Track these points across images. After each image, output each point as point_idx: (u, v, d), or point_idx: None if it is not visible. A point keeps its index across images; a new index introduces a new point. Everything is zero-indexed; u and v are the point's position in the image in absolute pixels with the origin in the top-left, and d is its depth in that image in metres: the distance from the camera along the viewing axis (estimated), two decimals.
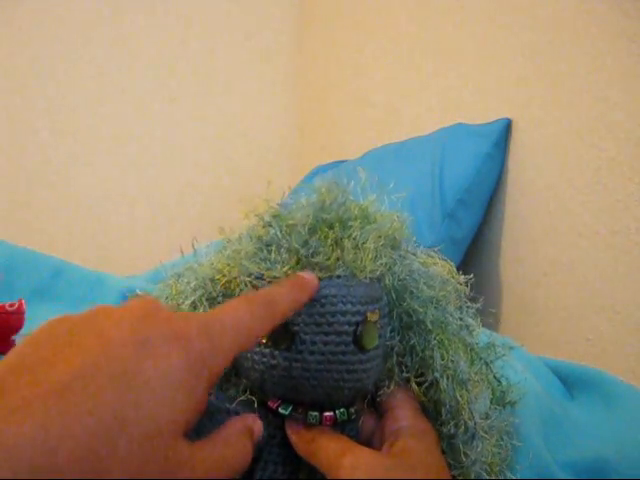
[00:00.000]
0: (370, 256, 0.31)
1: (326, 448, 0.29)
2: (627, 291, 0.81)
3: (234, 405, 0.32)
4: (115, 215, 1.71)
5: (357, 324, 0.30)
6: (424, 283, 0.33)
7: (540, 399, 0.50)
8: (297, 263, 0.31)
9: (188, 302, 0.33)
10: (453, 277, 0.36)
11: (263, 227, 0.32)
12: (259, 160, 1.86)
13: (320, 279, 0.30)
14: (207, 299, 0.33)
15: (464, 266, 1.05)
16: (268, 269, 0.31)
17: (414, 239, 0.35)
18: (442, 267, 0.36)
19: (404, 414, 0.31)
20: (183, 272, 0.35)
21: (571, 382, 0.60)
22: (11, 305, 0.57)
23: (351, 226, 0.31)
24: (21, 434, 0.18)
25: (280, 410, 0.32)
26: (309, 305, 0.30)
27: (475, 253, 1.08)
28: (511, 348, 0.37)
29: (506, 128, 1.02)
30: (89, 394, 0.20)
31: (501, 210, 1.05)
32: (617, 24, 0.83)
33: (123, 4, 1.67)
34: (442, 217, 0.99)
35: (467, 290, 0.36)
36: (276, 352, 0.30)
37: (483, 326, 0.38)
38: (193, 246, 0.35)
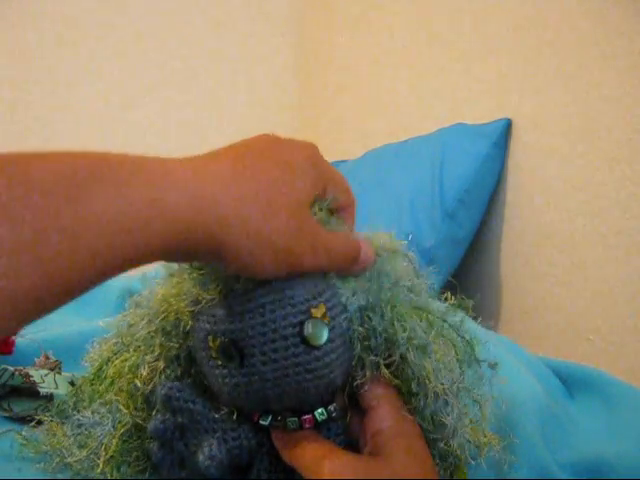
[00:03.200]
0: None
1: (306, 453, 0.29)
2: (627, 291, 0.81)
3: (220, 414, 0.32)
4: None
5: (301, 323, 0.30)
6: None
7: (540, 399, 0.50)
8: (226, 280, 0.31)
9: (144, 332, 0.34)
10: (393, 245, 0.35)
11: None
12: None
13: (253, 288, 0.30)
14: (162, 333, 0.34)
15: (464, 266, 1.05)
16: (204, 291, 0.31)
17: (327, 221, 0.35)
18: (378, 238, 0.35)
19: (384, 413, 0.31)
20: (140, 301, 0.36)
21: (571, 382, 0.60)
22: None
23: None
24: (219, 173, 0.27)
25: (260, 422, 0.32)
26: (249, 317, 0.29)
27: (475, 253, 1.08)
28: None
29: (506, 128, 1.02)
30: (263, 169, 0.28)
31: (501, 210, 1.05)
32: (617, 24, 0.83)
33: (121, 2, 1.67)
34: (442, 217, 0.99)
35: (412, 254, 0.35)
36: (233, 370, 0.30)
37: (483, 326, 0.38)
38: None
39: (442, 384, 0.31)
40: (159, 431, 0.32)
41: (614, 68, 0.83)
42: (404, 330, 0.31)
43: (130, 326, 0.35)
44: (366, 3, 1.54)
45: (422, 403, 0.31)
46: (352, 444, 0.32)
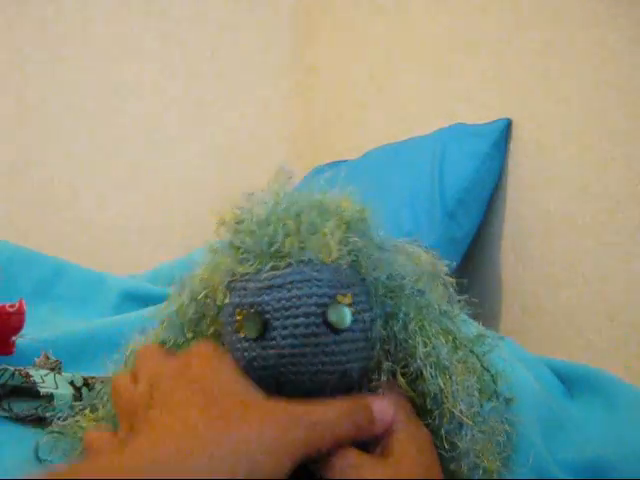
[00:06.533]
0: (333, 240, 0.31)
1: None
2: (627, 291, 0.81)
3: None
4: (116, 215, 1.71)
5: (326, 305, 0.30)
6: (401, 270, 0.33)
7: (540, 399, 0.50)
8: (262, 257, 0.32)
9: (190, 314, 0.35)
10: (435, 266, 0.36)
11: (232, 232, 0.34)
12: (259, 160, 1.86)
13: (286, 266, 0.31)
14: (200, 312, 0.34)
15: (464, 266, 1.05)
16: (239, 267, 0.32)
17: (380, 226, 0.35)
18: (421, 255, 0.35)
19: (397, 417, 0.31)
20: (183, 283, 0.36)
21: (571, 382, 0.60)
22: (11, 306, 0.57)
23: (308, 215, 0.32)
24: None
25: None
26: (276, 291, 0.31)
27: (475, 253, 1.08)
28: (500, 338, 0.37)
29: (506, 128, 1.02)
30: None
31: (501, 210, 1.05)
32: (617, 24, 0.83)
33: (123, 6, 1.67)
34: (442, 217, 0.99)
35: (452, 280, 0.36)
36: (253, 344, 0.31)
37: (483, 326, 0.38)
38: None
39: (459, 406, 0.32)
40: None
41: (614, 68, 0.83)
42: (425, 345, 0.32)
43: (179, 308, 0.35)
44: (367, 5, 1.54)
45: (437, 421, 0.32)
46: (358, 444, 0.33)
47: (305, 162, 1.73)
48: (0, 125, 1.57)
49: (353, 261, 0.32)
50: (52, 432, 0.38)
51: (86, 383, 0.52)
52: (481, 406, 0.33)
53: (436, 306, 0.34)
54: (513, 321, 1.02)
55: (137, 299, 0.81)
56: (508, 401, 0.35)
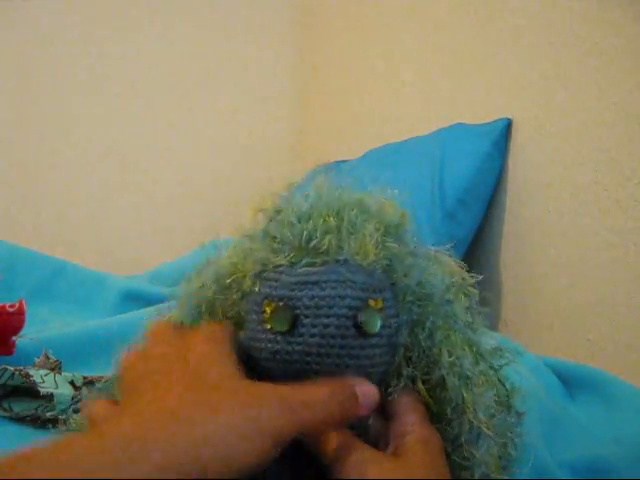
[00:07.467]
0: (371, 243, 0.31)
1: (333, 442, 0.30)
2: (627, 291, 0.81)
3: None
4: (116, 215, 1.71)
5: (357, 309, 0.30)
6: (431, 278, 0.33)
7: (540, 399, 0.50)
8: (299, 251, 0.31)
9: (210, 293, 0.34)
10: (463, 277, 0.36)
11: (270, 221, 0.33)
12: (260, 160, 1.86)
13: (322, 264, 0.31)
14: (223, 294, 0.34)
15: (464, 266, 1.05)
16: (273, 257, 0.32)
17: (415, 233, 0.35)
18: (451, 265, 0.36)
19: (410, 419, 0.32)
20: (204, 267, 0.35)
21: (571, 382, 0.60)
22: (11, 306, 0.56)
23: (349, 214, 0.32)
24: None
25: None
26: (310, 289, 0.30)
27: (475, 253, 1.08)
28: (519, 354, 0.37)
29: (506, 128, 1.02)
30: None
31: (501, 210, 1.05)
32: (617, 24, 0.83)
33: (127, 9, 1.67)
34: (442, 217, 0.99)
35: (476, 291, 0.36)
36: (279, 337, 0.31)
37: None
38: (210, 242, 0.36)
39: (480, 416, 0.32)
40: None
41: (614, 68, 0.83)
42: (449, 355, 0.32)
43: (200, 287, 0.35)
44: (366, 5, 1.54)
45: (456, 430, 0.32)
46: (369, 444, 0.33)
47: (305, 162, 1.73)
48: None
49: (387, 265, 0.32)
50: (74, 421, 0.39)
51: (86, 383, 0.52)
52: (497, 416, 0.33)
53: (462, 317, 0.34)
54: (513, 321, 1.02)
55: (137, 299, 0.81)
56: (520, 415, 0.36)
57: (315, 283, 0.30)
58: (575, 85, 0.90)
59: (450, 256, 0.36)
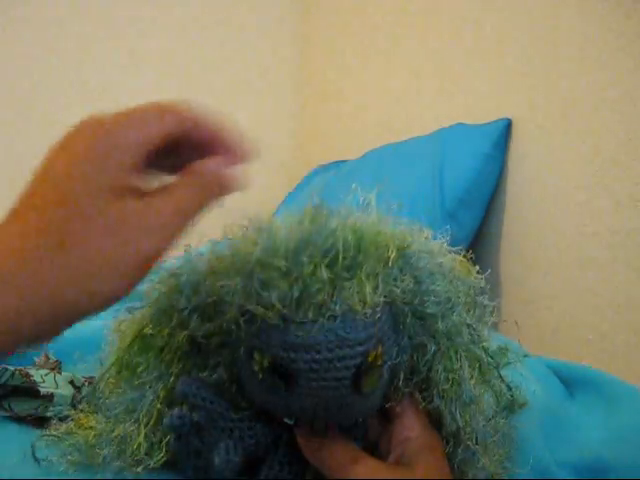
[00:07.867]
0: (370, 286, 0.28)
1: (335, 455, 0.30)
2: (627, 291, 0.81)
3: (239, 415, 0.32)
4: None
5: (357, 367, 0.29)
6: (435, 299, 0.31)
7: (540, 399, 0.50)
8: (290, 304, 0.28)
9: (180, 309, 0.32)
10: (470, 274, 0.35)
11: (256, 261, 0.29)
12: (260, 160, 1.86)
13: (313, 321, 0.28)
14: (200, 313, 0.32)
15: None
16: (261, 309, 0.29)
17: (426, 236, 0.34)
18: (458, 265, 0.35)
19: (412, 424, 0.32)
20: (176, 272, 0.33)
21: (571, 382, 0.60)
22: None
23: (343, 256, 0.28)
24: None
25: (285, 420, 0.32)
26: (304, 351, 0.28)
27: (475, 253, 1.08)
28: (519, 354, 0.36)
29: (506, 128, 1.02)
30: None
31: (501, 210, 1.05)
32: (617, 24, 0.83)
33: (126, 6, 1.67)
34: (442, 217, 0.99)
35: (483, 287, 0.35)
36: (272, 388, 0.30)
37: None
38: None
39: (476, 439, 0.31)
40: (174, 427, 0.32)
41: (614, 68, 0.83)
42: (447, 381, 0.31)
43: (168, 297, 0.33)
44: (366, 4, 1.54)
45: (451, 450, 0.32)
46: (368, 448, 0.33)
47: (305, 162, 1.73)
48: None
49: (385, 296, 0.30)
50: (49, 435, 0.38)
51: (85, 383, 0.52)
52: (496, 430, 0.33)
53: (466, 332, 0.32)
54: (513, 321, 1.02)
55: (137, 299, 0.81)
56: (521, 406, 0.36)
57: (310, 346, 0.28)
58: (575, 85, 0.90)
59: (462, 258, 0.35)
